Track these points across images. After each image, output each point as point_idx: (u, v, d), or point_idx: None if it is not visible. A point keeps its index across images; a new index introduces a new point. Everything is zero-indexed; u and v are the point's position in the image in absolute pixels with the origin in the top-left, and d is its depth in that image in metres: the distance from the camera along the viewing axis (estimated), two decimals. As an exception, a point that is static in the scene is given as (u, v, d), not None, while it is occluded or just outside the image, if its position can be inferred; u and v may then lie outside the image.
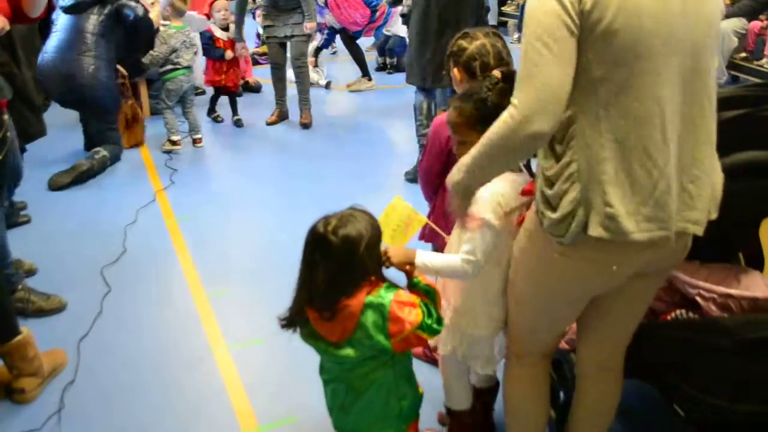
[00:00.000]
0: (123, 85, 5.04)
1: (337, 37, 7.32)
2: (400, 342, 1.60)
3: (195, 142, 5.23)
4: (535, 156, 1.76)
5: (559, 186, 1.44)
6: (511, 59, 2.06)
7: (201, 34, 5.79)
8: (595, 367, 1.85)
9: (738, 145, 1.78)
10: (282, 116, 5.87)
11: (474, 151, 1.49)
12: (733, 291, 1.79)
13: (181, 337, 2.84)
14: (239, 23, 5.50)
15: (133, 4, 4.66)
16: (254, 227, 3.93)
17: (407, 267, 1.73)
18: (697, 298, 1.81)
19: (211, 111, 5.86)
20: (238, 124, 5.75)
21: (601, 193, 1.40)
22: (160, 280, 3.31)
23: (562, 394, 2.08)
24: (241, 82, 6.20)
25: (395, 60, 7.70)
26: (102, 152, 4.60)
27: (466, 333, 1.89)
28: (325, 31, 7.26)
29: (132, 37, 4.79)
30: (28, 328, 2.47)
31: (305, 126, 5.68)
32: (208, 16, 5.87)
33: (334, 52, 8.27)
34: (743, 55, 6.74)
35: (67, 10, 4.46)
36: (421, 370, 2.48)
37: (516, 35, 9.32)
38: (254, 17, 7.90)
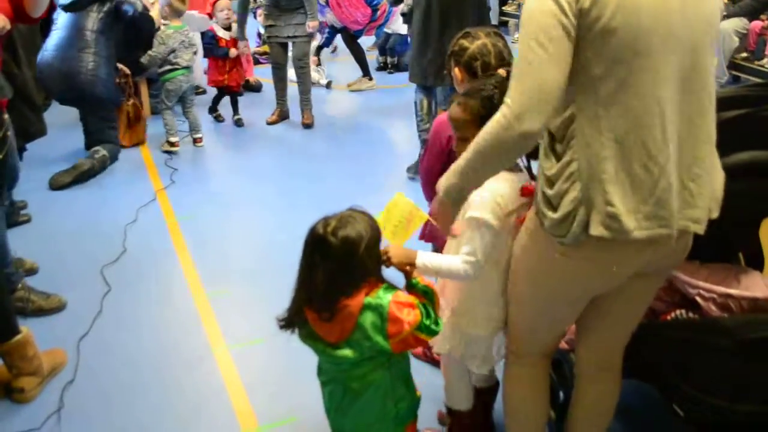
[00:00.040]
0: (125, 84, 5.05)
1: (338, 36, 7.32)
2: (398, 343, 1.60)
3: (195, 141, 5.23)
4: (536, 158, 1.76)
5: (560, 185, 1.44)
6: (513, 59, 2.06)
7: (204, 33, 5.80)
8: (594, 367, 1.85)
9: (739, 145, 1.78)
10: (282, 116, 5.87)
11: (467, 153, 1.49)
12: (733, 291, 1.79)
13: (181, 337, 2.84)
14: (242, 22, 5.50)
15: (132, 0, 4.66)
16: (254, 227, 3.93)
17: (407, 267, 1.73)
18: (697, 298, 1.81)
19: (213, 110, 5.85)
20: (238, 123, 5.75)
21: (602, 192, 1.39)
22: (160, 279, 3.31)
23: (561, 394, 2.08)
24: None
25: (396, 59, 7.70)
26: (102, 151, 4.60)
27: (464, 333, 1.89)
28: (326, 30, 7.27)
29: (133, 34, 4.80)
30: (27, 327, 2.47)
31: (307, 126, 5.68)
32: (211, 16, 5.87)
33: (335, 50, 8.26)
34: (744, 55, 6.73)
35: (66, 8, 4.46)
36: (421, 370, 2.50)
37: (517, 35, 9.28)
38: (255, 16, 7.90)
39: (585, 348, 1.84)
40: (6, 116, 2.56)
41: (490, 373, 2.12)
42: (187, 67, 5.00)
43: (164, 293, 3.19)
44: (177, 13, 4.96)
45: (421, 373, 2.44)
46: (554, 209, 1.45)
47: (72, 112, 5.08)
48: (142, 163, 4.89)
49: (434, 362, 2.53)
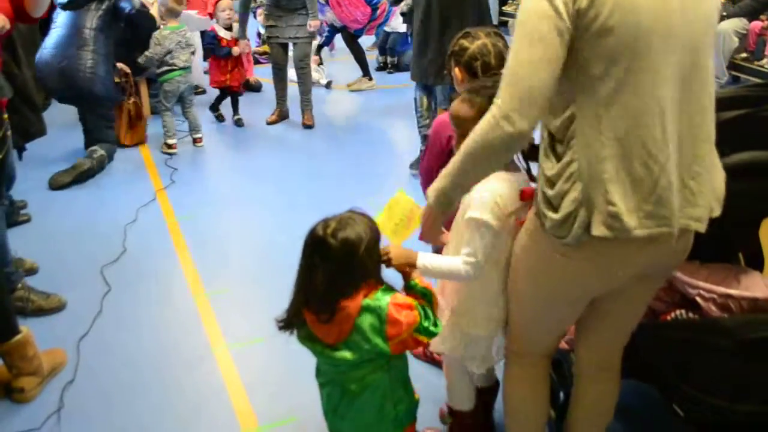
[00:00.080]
0: (126, 83, 5.05)
1: (336, 36, 7.32)
2: (397, 344, 1.60)
3: (195, 141, 5.23)
4: (533, 159, 1.76)
5: (561, 186, 1.44)
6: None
7: (205, 34, 5.79)
8: (594, 367, 1.85)
9: (739, 145, 1.78)
10: (282, 116, 5.87)
11: (457, 155, 1.51)
12: (733, 291, 1.79)
13: (181, 337, 2.84)
14: (243, 21, 5.49)
15: None
16: (254, 227, 3.93)
17: (407, 268, 1.73)
18: (697, 299, 1.81)
19: (215, 108, 5.84)
20: (238, 123, 5.75)
21: (603, 192, 1.39)
22: (160, 279, 3.31)
23: (561, 394, 2.08)
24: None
25: (396, 59, 7.70)
26: (99, 151, 4.60)
27: (464, 333, 1.89)
28: (326, 29, 7.26)
29: (132, 32, 4.80)
30: (27, 327, 2.47)
31: (308, 127, 5.68)
32: (212, 16, 5.86)
33: (332, 48, 8.25)
34: (744, 55, 6.74)
35: (65, 6, 4.46)
36: (421, 370, 2.50)
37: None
38: (254, 16, 7.90)
39: (585, 348, 1.84)
40: (5, 116, 2.56)
41: (489, 372, 2.13)
42: (185, 68, 4.99)
43: (164, 293, 3.19)
44: (173, 14, 4.95)
45: (421, 373, 2.45)
46: (555, 210, 1.45)
47: (72, 112, 5.08)
48: (142, 162, 4.89)
49: (434, 362, 2.53)
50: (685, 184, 1.46)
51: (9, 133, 2.60)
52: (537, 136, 1.58)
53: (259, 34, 7.85)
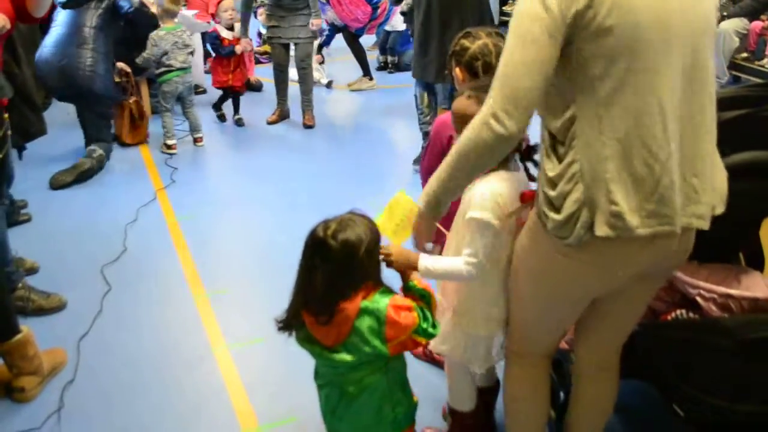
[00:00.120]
0: (127, 82, 5.05)
1: (337, 36, 7.32)
2: (396, 346, 1.60)
3: (196, 141, 5.23)
4: (529, 160, 1.76)
5: (562, 186, 1.44)
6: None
7: (207, 34, 5.77)
8: (594, 367, 1.85)
9: (739, 145, 1.78)
10: (283, 116, 5.86)
11: (449, 156, 1.51)
12: (733, 291, 1.79)
13: (181, 337, 2.84)
14: (245, 20, 5.50)
15: None
16: (255, 227, 3.92)
17: (407, 270, 1.72)
18: (698, 299, 1.81)
19: (217, 107, 5.83)
20: (239, 123, 5.75)
21: (606, 192, 1.39)
22: (160, 279, 3.31)
23: (561, 394, 2.08)
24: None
25: (396, 59, 7.70)
26: (98, 151, 4.60)
27: (465, 333, 1.89)
28: (327, 28, 7.26)
29: (131, 30, 4.79)
30: (28, 326, 2.47)
31: (309, 127, 5.68)
32: (214, 16, 5.86)
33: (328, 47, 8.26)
34: (744, 55, 6.73)
35: (65, 5, 4.47)
36: (421, 370, 2.50)
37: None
38: (255, 16, 7.90)
39: (585, 348, 1.84)
40: (6, 115, 2.56)
41: (489, 372, 2.12)
42: (183, 69, 4.98)
43: (164, 293, 3.19)
44: (170, 15, 4.95)
45: (421, 373, 2.45)
46: (557, 210, 1.45)
47: (72, 112, 5.08)
48: (142, 162, 4.89)
49: (435, 362, 2.53)
50: (687, 181, 1.45)
51: (9, 132, 2.60)
52: (534, 137, 1.58)
53: (259, 34, 7.85)
